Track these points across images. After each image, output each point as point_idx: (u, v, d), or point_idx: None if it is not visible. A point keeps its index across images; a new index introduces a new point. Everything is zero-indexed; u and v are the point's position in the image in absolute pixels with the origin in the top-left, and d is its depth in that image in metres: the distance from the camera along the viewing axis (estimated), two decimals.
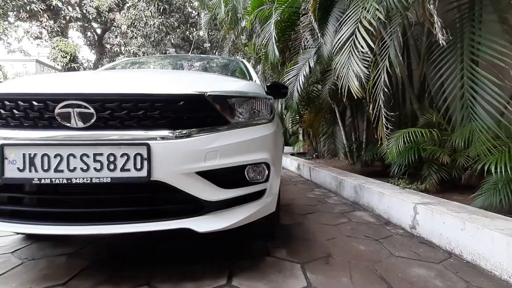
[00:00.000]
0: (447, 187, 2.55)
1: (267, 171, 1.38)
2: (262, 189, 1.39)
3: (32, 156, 1.05)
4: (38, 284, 1.24)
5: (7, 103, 1.10)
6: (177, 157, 1.11)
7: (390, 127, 1.98)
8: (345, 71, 1.80)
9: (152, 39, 10.47)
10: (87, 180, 1.05)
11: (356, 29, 1.68)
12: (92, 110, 1.08)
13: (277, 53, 3.34)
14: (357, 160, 3.76)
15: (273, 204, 1.49)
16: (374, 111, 2.02)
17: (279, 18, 3.26)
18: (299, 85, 2.94)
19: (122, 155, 1.06)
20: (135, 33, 10.32)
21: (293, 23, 3.60)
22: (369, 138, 3.84)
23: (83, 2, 11.72)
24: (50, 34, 10.68)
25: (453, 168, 2.44)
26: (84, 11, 10.74)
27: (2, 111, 1.10)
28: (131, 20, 10.09)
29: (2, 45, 11.48)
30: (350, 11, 1.80)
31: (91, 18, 10.74)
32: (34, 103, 1.08)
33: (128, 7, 10.11)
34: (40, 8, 9.76)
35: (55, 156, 1.05)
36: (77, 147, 1.06)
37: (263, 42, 3.57)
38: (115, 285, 1.23)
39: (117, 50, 11.98)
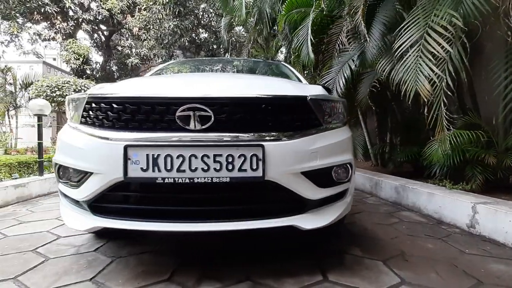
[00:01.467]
0: (490, 187, 2.60)
1: (350, 172, 1.43)
2: (346, 188, 1.45)
3: (155, 156, 1.10)
4: (143, 279, 1.28)
5: (129, 106, 1.15)
6: (287, 158, 1.17)
7: (452, 128, 2.03)
8: (412, 75, 1.86)
9: (166, 41, 10.54)
10: (208, 179, 1.10)
11: (426, 34, 1.74)
12: (210, 113, 1.13)
13: (312, 56, 3.40)
14: (387, 162, 3.81)
15: (351, 204, 1.55)
16: (432, 113, 2.08)
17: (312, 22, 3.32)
18: (340, 86, 3.00)
19: (239, 156, 1.12)
20: (149, 35, 10.38)
21: (324, 27, 3.67)
22: (396, 140, 3.89)
23: (92, 4, 11.84)
24: (63, 36, 10.74)
25: (498, 169, 2.49)
26: (96, 13, 10.81)
27: (125, 114, 1.15)
28: (144, 23, 10.16)
29: (13, 46, 11.56)
30: (413, 17, 1.86)
31: (103, 20, 10.81)
32: (156, 106, 1.14)
33: (143, 9, 10.18)
34: (54, 11, 9.84)
35: (178, 157, 1.10)
36: (198, 148, 1.11)
37: (295, 45, 3.64)
38: (218, 280, 1.28)
39: (128, 52, 12.05)
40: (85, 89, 4.48)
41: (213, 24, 11.69)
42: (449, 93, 1.87)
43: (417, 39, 1.83)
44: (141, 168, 1.10)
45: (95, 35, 16.85)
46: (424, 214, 2.45)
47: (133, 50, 11.64)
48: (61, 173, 1.39)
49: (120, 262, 1.48)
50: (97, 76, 15.27)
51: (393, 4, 2.52)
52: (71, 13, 11.47)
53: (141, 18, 10.33)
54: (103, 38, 16.62)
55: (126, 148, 1.10)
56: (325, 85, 3.29)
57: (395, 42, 2.04)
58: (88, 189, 1.19)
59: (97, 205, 1.21)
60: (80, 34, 15.36)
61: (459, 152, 2.57)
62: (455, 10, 1.60)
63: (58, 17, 10.27)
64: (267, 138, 1.16)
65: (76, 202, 1.33)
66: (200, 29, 12.38)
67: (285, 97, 1.23)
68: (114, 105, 1.17)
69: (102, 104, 1.19)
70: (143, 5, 10.25)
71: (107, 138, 1.15)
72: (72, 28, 11.16)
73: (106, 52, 15.97)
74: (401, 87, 2.06)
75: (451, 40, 1.69)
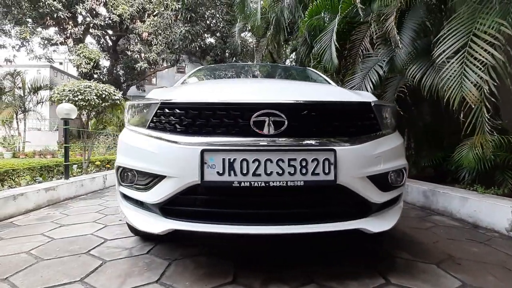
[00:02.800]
0: None
1: (405, 176, 1.46)
2: (400, 193, 1.47)
3: (231, 161, 1.13)
4: (209, 281, 1.30)
5: (204, 111, 1.18)
6: (356, 162, 1.20)
7: (495, 134, 2.06)
8: (457, 81, 1.90)
9: (176, 46, 10.64)
10: (283, 183, 1.13)
11: (470, 41, 1.79)
12: (284, 118, 1.16)
13: (335, 61, 3.45)
14: (410, 166, 3.83)
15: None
16: (470, 118, 2.11)
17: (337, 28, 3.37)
18: (367, 92, 3.03)
19: (312, 160, 1.15)
20: (159, 40, 10.49)
21: (346, 33, 3.72)
22: (419, 145, 3.91)
23: (101, 9, 11.97)
24: (74, 41, 10.86)
25: None
26: (107, 19, 10.94)
27: (200, 119, 1.19)
28: (155, 28, 10.28)
29: (23, 51, 11.68)
30: (452, 26, 1.90)
31: (112, 25, 10.94)
32: (231, 111, 1.17)
33: (154, 14, 10.30)
34: (66, 16, 9.96)
35: (254, 161, 1.13)
36: (273, 152, 1.14)
37: (318, 51, 3.69)
38: (284, 282, 1.30)
39: (137, 56, 12.16)
40: (107, 93, 4.53)
41: (222, 29, 11.80)
42: (492, 99, 1.90)
43: (461, 46, 1.87)
44: (218, 172, 1.13)
45: (102, 40, 17.00)
46: (457, 218, 2.47)
47: (142, 55, 11.74)
48: (124, 176, 1.42)
49: (178, 264, 1.50)
50: (104, 80, 15.38)
51: (423, 11, 2.57)
52: (81, 18, 11.62)
53: (152, 24, 10.45)
54: (110, 43, 16.76)
55: (202, 152, 1.14)
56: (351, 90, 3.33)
57: (435, 49, 2.08)
58: (160, 192, 1.21)
59: (168, 207, 1.23)
60: (87, 39, 15.53)
61: (490, 156, 2.59)
62: (503, 19, 1.65)
63: (70, 22, 10.40)
64: (338, 142, 1.19)
65: (141, 204, 1.36)
66: (206, 34, 12.48)
67: (352, 103, 1.27)
68: (190, 111, 1.20)
69: (177, 110, 1.23)
70: (154, 11, 10.36)
71: (182, 143, 1.18)
72: (81, 33, 11.28)
73: (113, 56, 16.08)
74: (435, 93, 2.09)
75: (497, 47, 1.73)
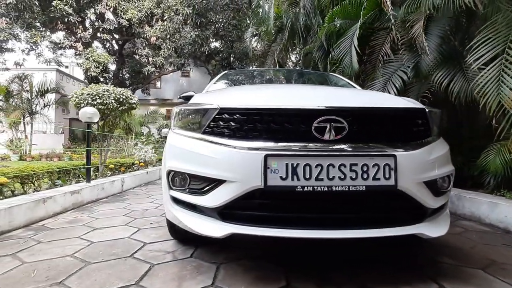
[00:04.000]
0: None
1: (452, 181, 1.48)
2: (448, 199, 1.49)
3: (294, 166, 1.15)
4: (264, 285, 1.31)
5: (266, 117, 1.21)
6: (415, 167, 1.22)
7: None
8: (495, 87, 1.92)
9: (186, 50, 10.73)
10: (345, 188, 1.14)
11: (507, 49, 1.82)
12: (345, 124, 1.18)
13: (356, 66, 3.48)
14: None
15: None
16: (504, 124, 2.13)
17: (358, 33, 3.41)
18: None
19: (373, 165, 1.16)
20: (169, 44, 10.58)
21: (365, 38, 3.76)
22: None
23: (108, 13, 12.10)
24: (83, 45, 10.97)
25: None
26: (116, 23, 11.04)
27: (261, 125, 1.21)
28: (165, 33, 10.36)
29: (33, 54, 11.79)
30: (489, 32, 1.93)
31: (120, 30, 11.04)
32: (293, 117, 1.19)
33: (164, 19, 10.40)
34: (76, 20, 10.07)
35: (316, 166, 1.15)
36: (335, 157, 1.16)
37: (338, 55, 3.73)
38: (337, 286, 1.31)
39: (145, 60, 12.24)
40: (124, 97, 4.56)
41: (229, 34, 11.90)
42: None
43: (498, 53, 1.90)
44: (281, 177, 1.15)
45: (108, 44, 17.15)
46: (486, 224, 2.47)
47: (150, 59, 11.82)
48: (176, 180, 1.44)
49: (226, 268, 1.50)
50: (109, 83, 15.50)
51: (449, 18, 2.60)
52: (89, 22, 11.73)
53: (161, 28, 10.54)
54: (116, 47, 16.89)
55: (266, 157, 1.15)
56: None
57: (468, 56, 2.11)
58: (220, 196, 1.23)
59: (226, 212, 1.25)
60: (94, 43, 15.66)
61: None
62: None
63: (80, 27, 10.51)
64: (397, 148, 1.21)
65: (193, 208, 1.37)
66: (211, 39, 12.56)
67: (409, 109, 1.29)
68: (251, 116, 1.22)
69: (238, 115, 1.25)
70: (164, 15, 10.45)
71: (244, 148, 1.20)
72: (90, 37, 11.38)
73: (119, 60, 16.21)
74: (463, 98, 2.10)
75: None
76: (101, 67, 10.92)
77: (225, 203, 1.22)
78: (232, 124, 1.26)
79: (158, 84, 21.51)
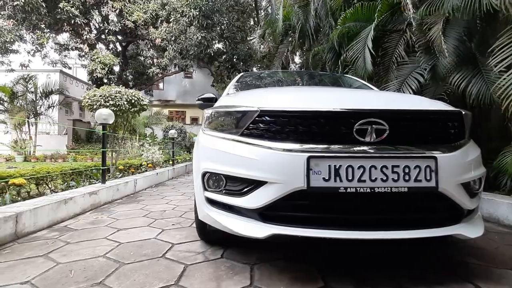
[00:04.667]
0: None
1: (483, 184, 1.49)
2: (480, 201, 1.50)
3: (337, 167, 1.17)
4: (302, 285, 1.33)
5: (308, 119, 1.23)
6: (454, 169, 1.23)
7: None
8: None
9: (191, 52, 10.77)
10: (387, 189, 1.16)
11: None
12: (386, 126, 1.20)
13: (369, 68, 3.50)
14: None
15: None
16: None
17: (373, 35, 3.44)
18: None
19: (415, 167, 1.18)
20: (175, 46, 10.61)
21: (378, 40, 3.78)
22: None
23: (111, 15, 12.16)
24: (89, 47, 11.02)
25: None
26: (122, 25, 11.09)
27: (303, 127, 1.23)
28: (170, 34, 10.40)
29: (38, 56, 11.83)
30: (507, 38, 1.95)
31: (126, 31, 11.08)
32: (334, 119, 1.21)
33: (170, 21, 10.43)
34: (83, 22, 10.12)
35: (359, 168, 1.16)
36: (377, 159, 1.17)
37: (351, 57, 3.76)
38: (374, 286, 1.32)
39: (150, 62, 12.29)
40: (135, 98, 4.58)
41: (233, 35, 11.94)
42: None
43: None
44: (323, 178, 1.17)
45: (111, 46, 17.20)
46: (505, 225, 2.48)
47: (154, 60, 11.86)
48: (211, 181, 1.46)
49: (260, 268, 1.52)
50: (113, 85, 15.55)
51: (467, 22, 2.63)
52: (95, 24, 11.78)
53: (167, 30, 10.58)
54: (119, 48, 16.94)
55: (309, 159, 1.17)
56: None
57: (490, 59, 2.13)
58: (260, 198, 1.25)
59: (267, 213, 1.26)
60: (98, 44, 15.71)
61: None
62: None
63: (86, 28, 10.56)
64: (437, 150, 1.23)
65: (229, 208, 1.39)
66: (214, 41, 12.59)
67: (447, 111, 1.31)
68: (293, 119, 1.24)
69: (280, 118, 1.27)
70: (170, 17, 10.48)
71: (286, 150, 1.22)
72: (94, 39, 11.42)
73: (123, 61, 16.25)
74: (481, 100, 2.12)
75: None
76: (107, 69, 10.96)
77: (267, 204, 1.24)
78: (273, 126, 1.28)
79: (161, 85, 21.57)
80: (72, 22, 9.99)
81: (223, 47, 15.01)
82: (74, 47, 11.49)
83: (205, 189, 1.49)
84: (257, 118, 1.31)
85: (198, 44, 10.37)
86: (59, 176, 4.05)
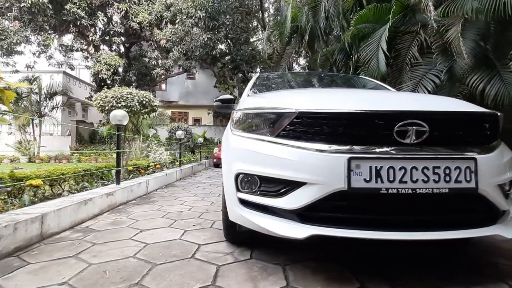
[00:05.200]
0: None
1: None
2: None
3: (378, 168, 1.18)
4: (340, 285, 1.33)
5: (347, 121, 1.24)
6: (492, 170, 1.24)
7: None
8: None
9: (197, 53, 10.80)
10: (428, 190, 1.17)
11: None
12: (426, 128, 1.21)
13: (383, 69, 3.51)
14: None
15: None
16: None
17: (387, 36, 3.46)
18: None
19: (455, 168, 1.19)
20: (180, 47, 10.65)
21: (391, 41, 3.79)
22: None
23: (115, 17, 12.22)
24: (94, 48, 11.06)
25: None
26: (127, 27, 11.13)
27: (342, 128, 1.24)
28: (175, 36, 10.43)
29: (43, 57, 11.87)
30: None
31: (131, 33, 11.12)
32: (374, 120, 1.22)
33: (176, 22, 10.47)
34: (88, 24, 10.16)
35: (400, 169, 1.17)
36: (418, 160, 1.18)
37: (364, 59, 3.77)
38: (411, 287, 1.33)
39: (154, 63, 12.32)
40: (147, 99, 4.60)
41: (237, 36, 11.98)
42: None
43: None
44: (364, 179, 1.18)
45: (114, 47, 17.25)
46: None
47: (159, 61, 11.90)
48: (244, 182, 1.47)
49: (292, 269, 1.52)
50: (117, 86, 15.59)
51: (484, 23, 2.64)
52: (100, 25, 11.84)
53: (172, 31, 10.61)
54: (122, 50, 16.99)
55: (349, 160, 1.18)
56: None
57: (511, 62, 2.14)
58: (299, 199, 1.26)
59: (305, 213, 1.27)
60: (101, 45, 15.76)
61: None
62: None
63: (91, 30, 10.59)
64: (475, 151, 1.23)
65: (264, 209, 1.39)
66: (221, 41, 12.64)
67: (484, 113, 1.32)
68: (332, 120, 1.25)
69: (318, 119, 1.28)
70: (176, 18, 10.51)
71: (326, 151, 1.23)
72: (99, 40, 11.46)
73: (126, 63, 16.31)
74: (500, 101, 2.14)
75: None
76: (112, 70, 10.99)
77: (306, 205, 1.24)
78: (312, 127, 1.28)
79: (163, 86, 21.59)
80: (78, 23, 10.03)
81: (225, 48, 15.07)
82: (79, 49, 11.52)
83: (238, 190, 1.49)
84: (294, 120, 1.32)
85: (203, 45, 10.39)
86: (71, 177, 4.07)
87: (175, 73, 17.37)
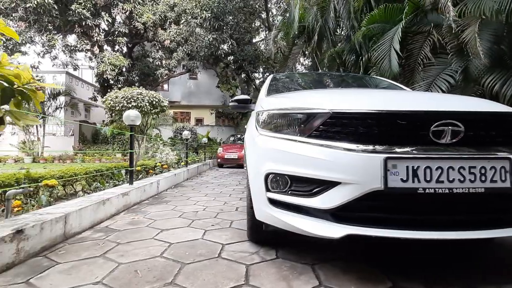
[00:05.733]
0: None
1: None
2: None
3: (415, 168, 1.19)
4: (373, 285, 1.34)
5: (382, 121, 1.25)
6: None
7: None
8: None
9: (202, 53, 10.82)
10: (465, 190, 1.18)
11: None
12: (462, 128, 1.22)
13: (395, 69, 3.52)
14: None
15: None
16: None
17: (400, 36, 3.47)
18: None
19: (490, 168, 1.20)
20: (185, 47, 10.67)
21: (402, 41, 3.80)
22: None
23: (117, 17, 12.25)
24: (99, 48, 11.09)
25: None
26: (131, 27, 11.16)
27: (377, 128, 1.25)
28: (181, 36, 10.46)
29: (48, 57, 11.91)
30: None
31: (136, 32, 11.15)
32: (410, 121, 1.23)
33: (181, 23, 10.50)
34: (94, 24, 10.18)
35: (437, 169, 1.18)
36: (455, 160, 1.19)
37: (376, 59, 3.78)
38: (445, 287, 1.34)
39: (158, 63, 12.34)
40: (156, 100, 4.61)
41: (243, 37, 12.00)
42: None
43: None
44: (401, 179, 1.19)
45: (117, 47, 17.27)
46: None
47: (163, 61, 11.92)
48: (275, 182, 1.48)
49: (322, 269, 1.53)
50: (119, 86, 15.60)
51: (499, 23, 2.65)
52: (103, 26, 11.86)
53: (178, 31, 10.63)
54: (125, 50, 17.01)
55: (386, 160, 1.19)
56: None
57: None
58: (334, 198, 1.27)
59: (340, 213, 1.28)
60: (104, 46, 15.78)
61: None
62: None
63: (96, 30, 10.62)
64: (509, 151, 1.24)
65: (295, 209, 1.40)
66: (225, 42, 12.66)
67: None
68: (367, 120, 1.27)
69: (352, 119, 1.29)
70: (181, 19, 10.53)
71: (362, 151, 1.23)
72: (104, 40, 11.49)
73: (131, 63, 16.34)
74: None
75: None
76: (117, 70, 11.00)
77: (341, 204, 1.25)
78: (346, 127, 1.30)
79: (165, 86, 21.59)
80: (83, 24, 10.05)
81: (228, 48, 15.10)
82: (84, 49, 11.54)
83: (267, 190, 1.50)
84: (328, 120, 1.33)
85: (208, 46, 10.41)
86: (84, 177, 4.08)
87: (178, 73, 17.39)
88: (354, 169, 1.23)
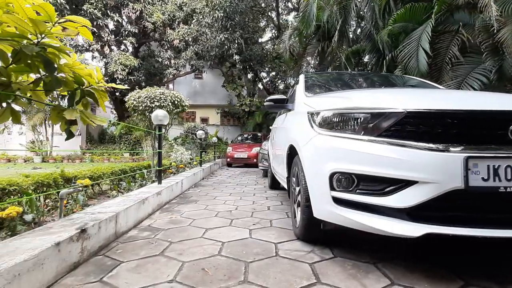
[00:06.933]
0: None
1: None
2: None
3: (496, 167, 1.20)
4: (446, 285, 1.36)
5: (459, 120, 1.26)
6: None
7: None
8: None
9: (213, 53, 10.83)
10: None
11: None
12: None
13: (423, 69, 3.53)
14: None
15: None
16: None
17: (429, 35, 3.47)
18: None
19: None
20: (195, 47, 10.68)
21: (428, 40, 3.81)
22: None
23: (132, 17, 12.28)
24: (110, 48, 11.12)
25: None
26: (141, 27, 11.17)
27: (453, 128, 1.26)
28: (191, 36, 10.47)
29: None
30: None
31: (144, 32, 11.16)
32: (486, 120, 1.25)
33: (192, 22, 10.51)
34: (104, 24, 10.21)
35: None
36: None
37: (403, 59, 3.78)
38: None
39: (167, 63, 12.36)
40: (178, 99, 4.63)
41: (252, 37, 12.01)
42: None
43: None
44: (482, 178, 1.20)
45: (123, 47, 17.28)
46: None
47: (172, 61, 11.94)
48: (341, 181, 1.49)
49: (385, 266, 1.54)
50: (125, 85, 15.62)
51: None
52: (112, 26, 11.89)
53: (188, 31, 10.65)
54: (131, 49, 17.02)
55: (467, 159, 1.20)
56: None
57: None
58: (411, 197, 1.28)
59: (418, 212, 1.29)
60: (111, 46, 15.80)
61: None
62: None
63: (107, 30, 10.64)
64: None
65: (364, 208, 1.42)
66: (236, 42, 12.64)
67: None
68: (444, 119, 1.28)
69: (429, 119, 1.30)
70: (192, 18, 10.53)
71: (440, 150, 1.25)
72: (114, 40, 11.51)
73: (140, 63, 16.35)
74: None
75: None
76: (127, 70, 11.03)
77: (419, 203, 1.26)
78: (422, 127, 1.31)
79: (171, 86, 21.61)
80: (94, 23, 10.07)
81: (236, 48, 15.08)
82: (95, 49, 11.57)
83: (332, 189, 1.52)
84: (402, 119, 1.34)
85: (220, 45, 10.42)
86: (110, 177, 4.11)
87: (184, 72, 17.39)
88: (433, 168, 1.24)
